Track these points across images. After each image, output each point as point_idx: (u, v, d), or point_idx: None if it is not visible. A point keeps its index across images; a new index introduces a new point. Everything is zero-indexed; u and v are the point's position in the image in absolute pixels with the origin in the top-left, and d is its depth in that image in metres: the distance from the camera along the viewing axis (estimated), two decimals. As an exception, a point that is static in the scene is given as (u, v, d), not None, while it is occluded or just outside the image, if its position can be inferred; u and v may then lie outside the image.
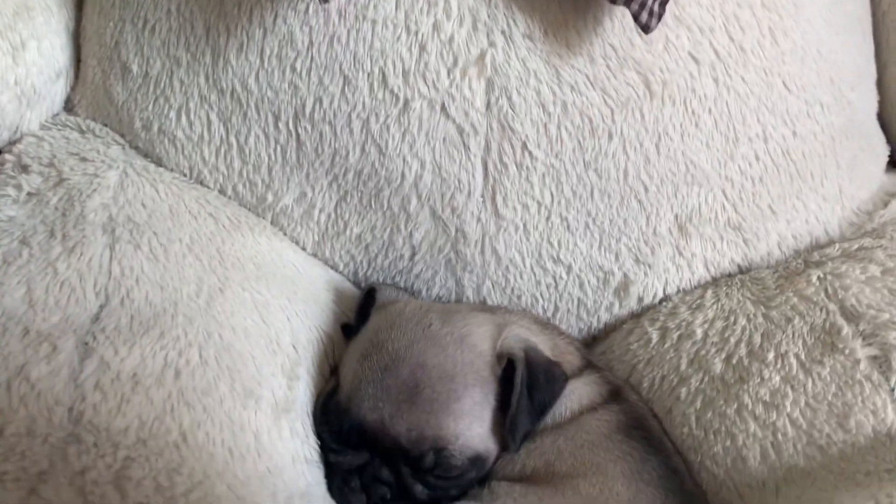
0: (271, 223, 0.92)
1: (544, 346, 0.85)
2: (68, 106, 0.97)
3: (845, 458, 0.77)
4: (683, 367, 0.89)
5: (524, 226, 0.87)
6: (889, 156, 1.05)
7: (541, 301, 0.94)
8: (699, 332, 0.89)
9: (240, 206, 0.91)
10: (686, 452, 0.84)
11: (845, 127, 0.94)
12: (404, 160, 0.83)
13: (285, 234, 0.92)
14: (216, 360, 0.76)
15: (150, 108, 0.89)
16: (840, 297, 0.85)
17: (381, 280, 0.93)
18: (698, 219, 0.90)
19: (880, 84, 1.04)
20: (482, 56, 0.80)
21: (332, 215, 0.89)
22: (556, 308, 0.95)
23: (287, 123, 0.84)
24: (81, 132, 0.93)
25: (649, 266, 0.91)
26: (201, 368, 0.74)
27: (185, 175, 0.91)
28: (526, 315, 0.92)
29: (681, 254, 0.91)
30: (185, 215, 0.86)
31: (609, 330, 0.97)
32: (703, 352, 0.88)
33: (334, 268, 0.94)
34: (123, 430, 0.68)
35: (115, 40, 0.89)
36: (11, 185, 0.86)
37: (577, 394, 0.84)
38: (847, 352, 0.81)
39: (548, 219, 0.87)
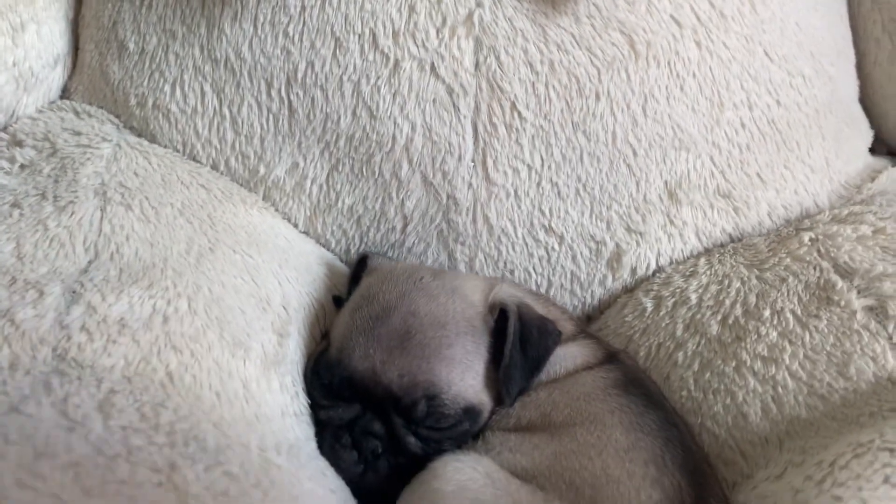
0: (263, 198, 0.92)
1: (537, 308, 0.84)
2: (64, 94, 0.99)
3: (847, 405, 0.75)
4: (679, 332, 0.88)
5: (515, 192, 0.88)
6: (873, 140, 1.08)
7: (534, 275, 0.93)
8: (694, 298, 0.89)
9: (232, 181, 0.92)
10: (686, 416, 0.83)
11: (828, 101, 0.96)
12: (395, 123, 0.84)
13: (277, 210, 0.92)
14: (205, 311, 0.75)
15: (146, 83, 0.90)
16: (833, 255, 0.85)
17: (373, 253, 0.93)
18: (688, 185, 0.90)
19: (860, 71, 1.06)
20: (470, 15, 0.82)
21: (324, 186, 0.90)
22: (550, 283, 0.94)
23: (279, 90, 0.86)
24: (76, 113, 0.94)
25: (641, 235, 0.91)
26: (190, 317, 0.73)
27: (178, 150, 0.91)
28: (519, 286, 0.91)
29: (672, 222, 0.92)
30: (176, 184, 0.87)
31: (603, 307, 0.96)
32: (698, 316, 0.88)
33: (326, 245, 0.94)
34: (109, 367, 0.67)
35: (113, 20, 0.91)
36: (5, 158, 0.87)
37: (572, 353, 0.83)
38: (843, 304, 0.81)
39: (538, 184, 0.88)
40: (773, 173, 0.93)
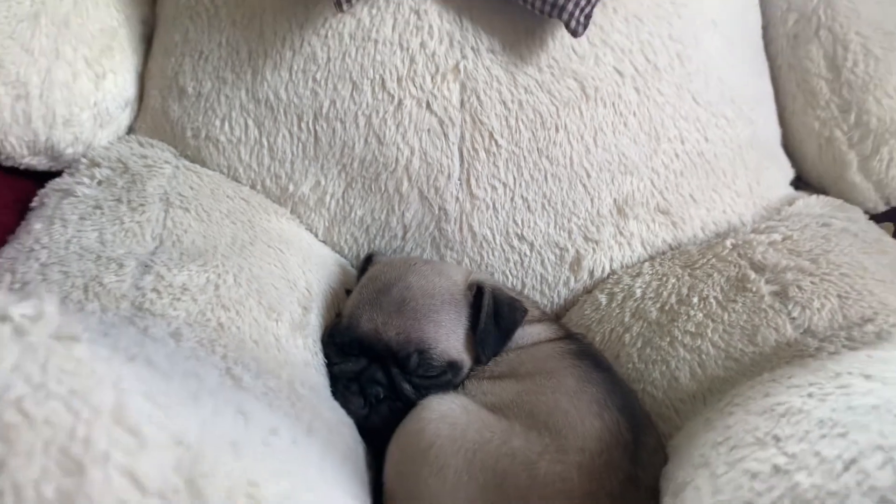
0: (291, 212, 1.13)
1: (510, 293, 1.04)
2: (130, 132, 1.22)
3: (755, 364, 0.94)
4: (627, 319, 1.08)
5: (493, 205, 1.09)
6: (795, 179, 1.29)
7: (510, 278, 1.14)
8: (639, 292, 1.09)
9: (266, 197, 1.13)
10: (631, 384, 1.01)
11: (749, 139, 1.18)
12: (398, 148, 1.07)
13: (301, 222, 1.13)
14: (247, 284, 0.95)
15: (200, 119, 1.13)
16: (749, 255, 1.06)
17: (378, 257, 1.13)
18: (633, 202, 1.11)
19: (781, 120, 1.29)
20: (457, 65, 1.06)
21: (341, 201, 1.11)
22: (524, 284, 1.14)
23: (308, 123, 1.08)
24: (140, 144, 1.16)
25: (596, 243, 1.12)
26: (235, 287, 0.94)
27: (223, 173, 1.13)
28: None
29: (621, 233, 1.12)
30: (223, 197, 1.08)
31: (568, 306, 1.16)
32: (642, 305, 1.07)
33: (340, 252, 1.15)
34: (174, 316, 0.87)
35: (175, 71, 1.15)
36: (86, 175, 1.09)
37: (537, 330, 1.03)
38: (755, 290, 1.01)
39: (512, 199, 1.09)
40: (704, 195, 1.14)
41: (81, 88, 1.12)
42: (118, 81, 1.17)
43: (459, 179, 1.08)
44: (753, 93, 1.21)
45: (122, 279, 0.90)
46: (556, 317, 1.16)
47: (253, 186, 1.13)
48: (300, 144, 1.10)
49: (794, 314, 0.96)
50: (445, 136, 1.06)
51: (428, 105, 1.06)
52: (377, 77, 1.06)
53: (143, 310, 0.86)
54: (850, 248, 1.05)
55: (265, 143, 1.11)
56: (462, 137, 1.07)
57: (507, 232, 1.11)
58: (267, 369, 0.83)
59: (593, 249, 1.12)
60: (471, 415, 0.87)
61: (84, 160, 1.13)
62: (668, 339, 1.02)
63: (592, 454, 0.83)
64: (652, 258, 1.13)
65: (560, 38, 1.05)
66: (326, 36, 1.06)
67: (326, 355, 0.98)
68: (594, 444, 0.84)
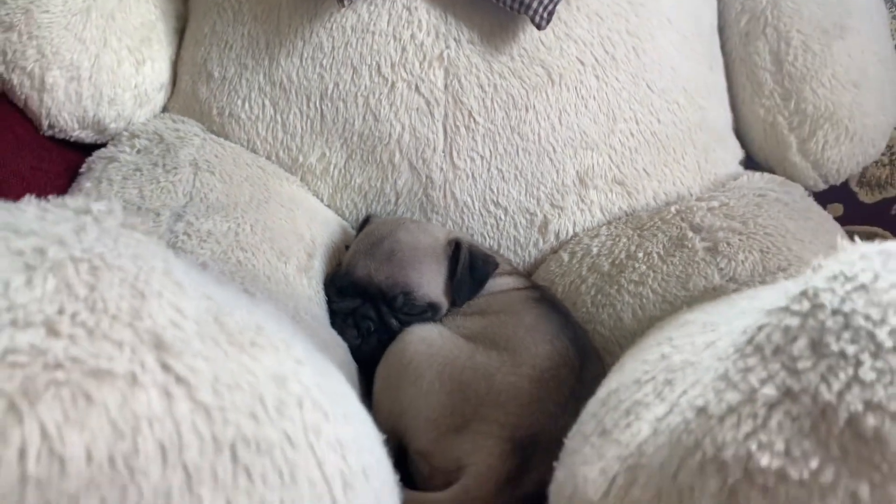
0: (300, 180, 1.32)
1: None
2: (164, 110, 1.41)
3: (685, 306, 1.12)
4: (584, 272, 1.25)
5: (472, 174, 1.27)
6: (747, 161, 1.47)
7: (487, 239, 1.32)
8: (595, 250, 1.26)
9: (279, 167, 1.32)
10: (585, 325, 1.19)
11: (699, 122, 1.36)
12: (391, 124, 1.25)
13: (309, 189, 1.32)
14: (262, 232, 1.14)
15: (225, 99, 1.32)
16: (689, 219, 1.23)
17: (374, 220, 1.32)
18: (593, 174, 1.29)
19: (733, 108, 1.46)
20: (441, 54, 1.24)
21: (343, 170, 1.30)
22: (499, 245, 1.32)
23: (315, 103, 1.27)
24: (173, 121, 1.36)
25: (561, 209, 1.30)
26: (251, 235, 1.13)
27: (243, 145, 1.32)
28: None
29: (582, 201, 1.30)
30: (243, 164, 1.27)
31: (537, 264, 1.34)
32: (597, 261, 1.25)
33: (342, 216, 1.33)
34: (201, 253, 1.06)
35: (204, 58, 1.34)
36: (127, 145, 1.28)
37: (506, 280, 1.21)
38: (691, 247, 1.18)
39: (488, 170, 1.27)
40: (656, 169, 1.32)
41: (124, 72, 1.31)
42: (155, 67, 1.37)
43: (443, 152, 1.26)
44: (704, 83, 1.38)
45: (159, 225, 1.09)
46: (528, 273, 1.34)
47: (268, 157, 1.32)
48: (308, 121, 1.29)
49: (722, 265, 1.13)
50: (431, 114, 1.25)
51: (417, 88, 1.24)
52: (374, 63, 1.25)
53: (175, 248, 1.05)
54: (778, 213, 1.22)
55: (279, 120, 1.30)
56: (446, 115, 1.25)
57: (485, 199, 1.29)
58: (276, 298, 1.02)
59: (558, 215, 1.30)
60: (444, 338, 1.05)
61: (125, 133, 1.32)
62: (615, 287, 1.19)
63: (542, 370, 1.01)
64: (609, 223, 1.31)
65: (529, 32, 1.24)
66: (331, 28, 1.25)
67: (327, 295, 1.16)
68: (545, 363, 1.02)
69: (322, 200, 1.33)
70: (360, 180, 1.30)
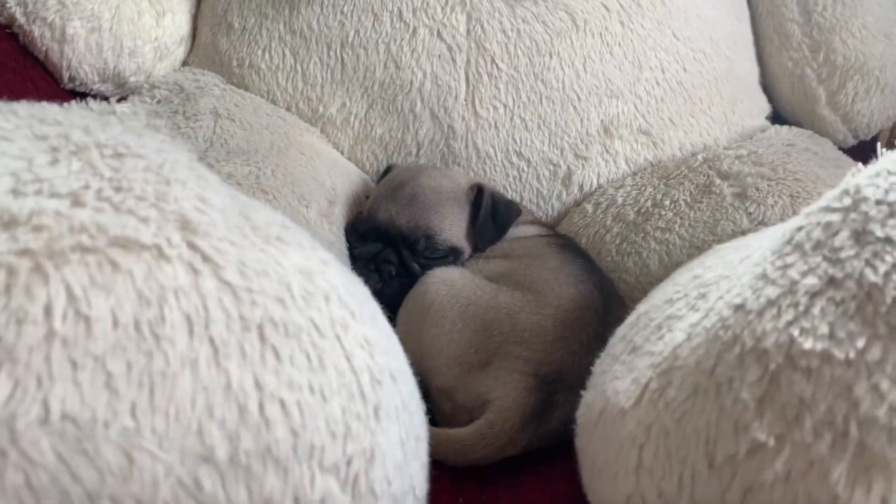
0: (321, 132, 1.31)
1: (507, 198, 1.21)
2: (183, 65, 1.41)
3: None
4: (609, 222, 1.23)
5: (495, 124, 1.26)
6: (773, 116, 1.44)
7: (510, 192, 1.30)
8: (620, 200, 1.25)
9: (300, 118, 1.31)
10: (610, 275, 1.17)
11: (726, 73, 1.33)
12: (412, 72, 1.24)
13: (329, 141, 1.31)
14: (282, 176, 1.13)
15: (245, 50, 1.31)
16: (717, 167, 1.21)
17: (395, 172, 1.30)
18: (618, 123, 1.27)
19: (760, 61, 1.44)
20: (464, -1, 1.23)
21: (363, 121, 1.29)
22: (522, 198, 1.30)
23: (336, 51, 1.26)
24: (194, 73, 1.35)
25: (585, 160, 1.28)
26: (272, 178, 1.12)
27: (263, 97, 1.32)
28: (497, 192, 1.28)
29: (607, 151, 1.28)
30: (263, 114, 1.27)
31: (560, 218, 1.32)
32: (622, 210, 1.23)
33: (362, 169, 1.32)
34: (222, 194, 1.05)
35: (224, 9, 1.34)
36: (147, 95, 1.28)
37: (529, 228, 1.19)
38: (718, 192, 1.16)
39: (511, 119, 1.26)
40: (682, 119, 1.30)
41: (145, 24, 1.31)
42: (175, 20, 1.36)
43: (465, 100, 1.25)
44: (731, 33, 1.36)
45: (180, 167, 1.08)
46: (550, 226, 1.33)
47: (288, 109, 1.31)
48: (329, 70, 1.27)
49: (751, 210, 1.11)
50: (453, 60, 1.23)
51: (439, 33, 1.23)
52: (395, 9, 1.23)
53: (197, 188, 1.04)
54: (809, 161, 1.20)
55: (299, 70, 1.29)
56: (468, 62, 1.24)
57: (507, 149, 1.27)
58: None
59: (582, 166, 1.28)
60: (466, 279, 1.04)
61: (145, 85, 1.32)
62: (641, 234, 1.18)
63: (567, 310, 0.99)
64: (634, 173, 1.29)
65: (553, -24, 1.22)
66: (354, -25, 1.24)
67: (349, 242, 1.15)
68: (569, 304, 1.00)
69: (342, 153, 1.31)
70: (380, 131, 1.29)
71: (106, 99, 1.30)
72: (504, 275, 1.06)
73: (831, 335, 0.50)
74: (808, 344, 0.50)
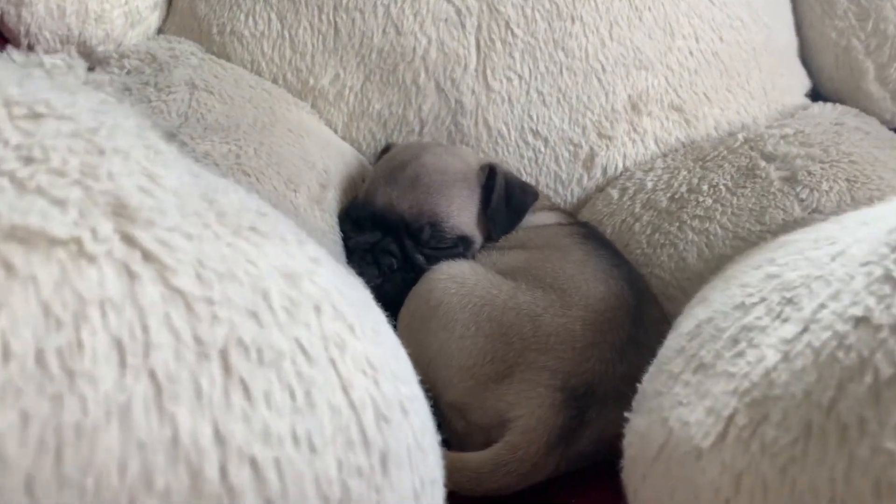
0: (311, 107, 1.16)
1: (523, 184, 1.07)
2: (158, 33, 1.26)
3: (762, 241, 0.96)
4: (637, 210, 1.10)
5: (509, 97, 1.11)
6: (813, 93, 1.30)
7: (524, 175, 1.16)
8: (650, 185, 1.11)
9: (288, 91, 1.17)
10: (640, 269, 1.03)
11: (764, 44, 1.19)
12: (415, 38, 1.09)
13: (321, 117, 1.17)
14: (266, 156, 0.99)
15: (226, 15, 1.16)
16: (760, 147, 1.07)
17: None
18: (647, 99, 1.13)
19: (799, 32, 1.30)
20: (475, -47, 1.08)
21: (359, 94, 1.14)
22: (538, 182, 1.16)
23: (328, 14, 1.12)
24: (169, 42, 1.20)
25: (610, 139, 1.14)
26: (255, 159, 0.97)
27: (246, 67, 1.17)
28: (511, 175, 1.14)
29: (635, 129, 1.14)
30: (245, 86, 1.12)
31: (581, 205, 1.18)
32: (652, 197, 1.09)
33: (358, 149, 1.18)
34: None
35: (203, -30, 1.19)
36: (115, 66, 1.13)
37: (547, 215, 1.05)
38: (764, 177, 1.02)
39: (527, 92, 1.11)
40: (718, 94, 1.16)
41: (113, -15, 1.16)
42: (148, -19, 1.21)
43: (476, 70, 1.10)
44: (769, 1, 1.22)
45: (148, 144, 0.93)
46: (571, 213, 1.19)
47: (275, 81, 1.16)
48: (320, 36, 1.13)
49: (803, 196, 0.97)
50: (462, 25, 1.09)
51: (446, -6, 1.08)
52: (396, -35, 1.09)
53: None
54: (862, 141, 1.06)
55: (286, 36, 1.14)
56: (479, 27, 1.09)
57: (522, 127, 1.13)
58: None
59: (606, 146, 1.14)
60: (479, 276, 0.90)
61: (114, 55, 1.17)
62: (676, 224, 1.04)
63: (596, 311, 0.85)
64: (665, 155, 1.15)
65: (577, -69, 1.08)
66: (348, -74, 1.10)
67: (343, 230, 1.01)
68: (598, 304, 0.86)
69: (336, 130, 1.17)
70: (378, 106, 1.14)
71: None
72: (521, 269, 0.91)
73: None
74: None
